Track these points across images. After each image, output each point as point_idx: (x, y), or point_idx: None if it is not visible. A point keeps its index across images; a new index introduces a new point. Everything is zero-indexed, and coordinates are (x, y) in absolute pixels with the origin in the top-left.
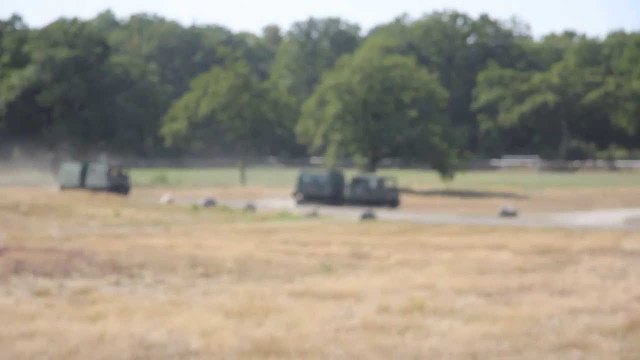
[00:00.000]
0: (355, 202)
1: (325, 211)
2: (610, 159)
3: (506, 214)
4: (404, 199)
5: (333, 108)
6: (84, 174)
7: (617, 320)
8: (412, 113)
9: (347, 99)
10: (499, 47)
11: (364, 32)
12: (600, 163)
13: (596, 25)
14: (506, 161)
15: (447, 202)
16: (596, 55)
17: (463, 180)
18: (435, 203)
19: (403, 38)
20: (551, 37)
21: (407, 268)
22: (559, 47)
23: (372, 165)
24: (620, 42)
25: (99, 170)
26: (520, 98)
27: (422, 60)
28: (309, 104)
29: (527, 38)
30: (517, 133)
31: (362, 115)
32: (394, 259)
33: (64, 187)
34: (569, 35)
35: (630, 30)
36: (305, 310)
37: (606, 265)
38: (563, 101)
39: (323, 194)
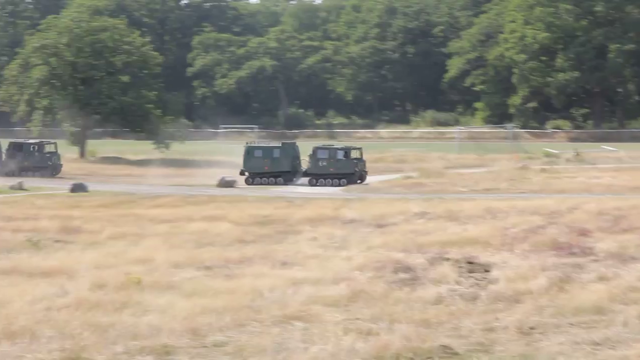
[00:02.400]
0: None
1: (33, 183)
2: (329, 125)
3: (225, 184)
4: (117, 169)
5: (38, 72)
6: None
7: (339, 290)
8: (125, 78)
9: (53, 62)
10: (214, 9)
11: None
12: (319, 130)
13: None
14: (224, 129)
15: (163, 172)
16: (313, 19)
17: (180, 149)
18: (151, 173)
19: None
20: (268, 0)
21: (121, 242)
22: (276, 10)
23: (83, 133)
24: (337, 5)
25: None
26: (237, 63)
27: (134, 23)
28: (12, 67)
29: (244, 0)
30: (234, 100)
31: (70, 80)
32: (107, 233)
33: None
34: None
35: None
36: (12, 289)
37: (327, 235)
38: (281, 66)
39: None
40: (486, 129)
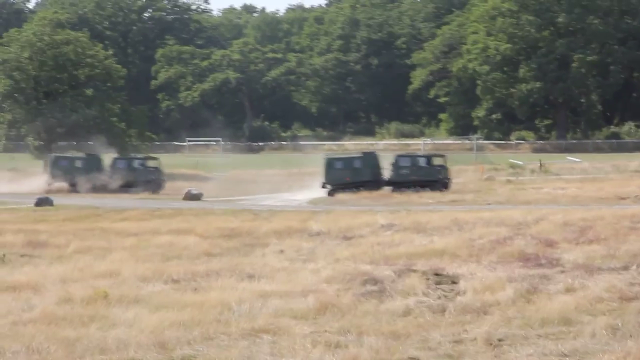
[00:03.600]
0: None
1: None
2: (295, 138)
3: (191, 196)
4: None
5: (1, 86)
6: None
7: (307, 303)
8: (88, 91)
9: (16, 76)
10: (176, 21)
11: (32, 4)
12: (285, 143)
13: (275, 0)
14: (189, 142)
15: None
16: (276, 31)
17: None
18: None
19: (74, 11)
20: (230, 12)
21: (88, 256)
22: (239, 22)
23: (47, 147)
24: (300, 17)
25: None
26: (201, 76)
27: (97, 36)
28: None
29: (206, 12)
30: (199, 112)
31: (33, 94)
32: (73, 247)
33: None
34: (249, 9)
35: (309, 5)
36: None
37: (294, 248)
38: (245, 79)
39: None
40: (451, 141)
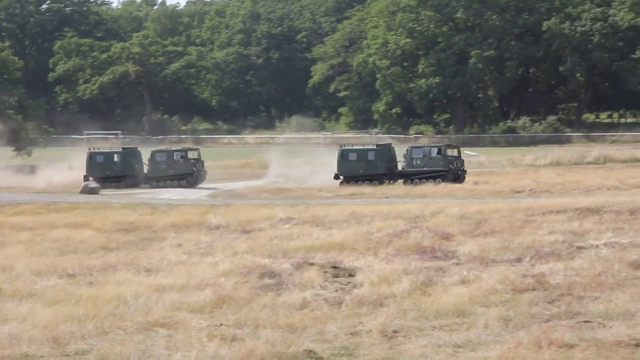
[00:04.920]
0: None
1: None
2: (195, 131)
3: (88, 190)
4: None
5: None
6: None
7: (204, 296)
8: None
9: None
10: (75, 13)
11: None
12: (184, 136)
13: None
14: (88, 135)
15: (22, 180)
16: (176, 24)
17: (43, 155)
18: (10, 181)
19: None
20: (130, 4)
21: None
22: (139, 15)
23: None
24: (201, 11)
25: None
26: (100, 68)
27: None
28: None
29: (106, 4)
30: (98, 105)
31: None
32: None
33: None
34: (149, 2)
35: None
36: None
37: (192, 241)
38: (145, 72)
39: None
40: (351, 134)
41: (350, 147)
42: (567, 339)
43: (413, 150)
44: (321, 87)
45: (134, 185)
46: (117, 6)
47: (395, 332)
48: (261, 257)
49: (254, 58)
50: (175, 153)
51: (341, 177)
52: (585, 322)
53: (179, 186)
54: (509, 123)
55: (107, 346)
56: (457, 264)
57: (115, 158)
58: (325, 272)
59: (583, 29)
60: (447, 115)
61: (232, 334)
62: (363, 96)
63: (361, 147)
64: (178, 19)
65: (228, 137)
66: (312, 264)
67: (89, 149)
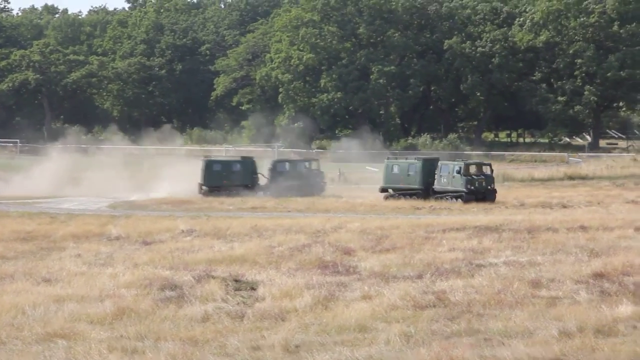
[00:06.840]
0: None
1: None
2: (95, 141)
3: None
4: None
5: None
6: None
7: (104, 307)
8: None
9: None
10: None
11: None
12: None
13: (78, 2)
14: None
15: None
16: (78, 33)
17: None
18: None
19: None
20: (31, 12)
21: None
22: (40, 23)
23: None
24: (103, 20)
25: None
26: None
27: None
28: None
29: (6, 11)
30: None
31: None
32: None
33: None
34: (50, 10)
35: (112, 7)
36: None
37: (92, 252)
38: (45, 80)
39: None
40: (252, 148)
41: (394, 160)
42: (467, 356)
43: (442, 167)
44: (224, 99)
45: (251, 194)
46: (17, 13)
47: (297, 346)
48: (162, 269)
49: (157, 69)
50: (298, 163)
51: (389, 190)
52: (485, 339)
53: (306, 195)
54: (410, 140)
55: (4, 357)
56: (359, 279)
57: (234, 167)
58: (227, 285)
59: (483, 49)
60: (348, 131)
61: (132, 346)
62: (265, 110)
63: (404, 161)
64: (80, 27)
65: (129, 148)
66: (213, 277)
67: (204, 157)
